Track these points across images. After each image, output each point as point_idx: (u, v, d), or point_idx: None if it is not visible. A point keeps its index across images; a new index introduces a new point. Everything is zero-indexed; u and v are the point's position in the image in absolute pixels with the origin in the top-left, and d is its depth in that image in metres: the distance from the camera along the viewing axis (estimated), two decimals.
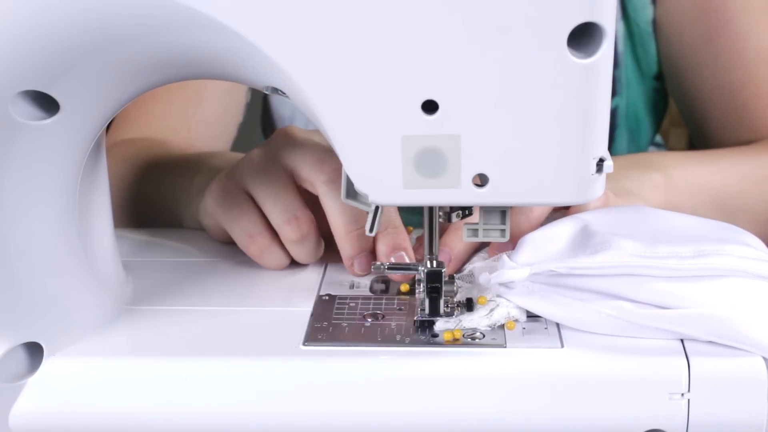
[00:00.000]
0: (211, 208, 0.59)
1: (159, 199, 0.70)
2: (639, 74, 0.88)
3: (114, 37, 0.41)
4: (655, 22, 0.84)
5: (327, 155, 0.55)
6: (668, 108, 0.95)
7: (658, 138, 1.00)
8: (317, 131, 0.57)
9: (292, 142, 0.57)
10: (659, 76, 0.88)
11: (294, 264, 0.59)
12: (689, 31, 0.81)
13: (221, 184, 0.58)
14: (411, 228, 0.62)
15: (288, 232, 0.56)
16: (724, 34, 0.79)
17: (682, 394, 0.45)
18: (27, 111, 0.42)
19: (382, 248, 0.55)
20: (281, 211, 0.56)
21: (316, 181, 0.55)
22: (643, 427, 0.45)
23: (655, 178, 0.67)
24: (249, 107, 0.93)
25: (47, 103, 0.42)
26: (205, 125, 0.87)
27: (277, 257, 0.57)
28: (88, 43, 0.41)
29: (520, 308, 0.50)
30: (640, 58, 0.87)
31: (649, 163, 0.70)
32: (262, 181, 0.56)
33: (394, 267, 0.53)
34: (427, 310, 0.51)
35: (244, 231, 0.57)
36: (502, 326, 0.49)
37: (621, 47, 0.86)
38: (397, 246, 0.55)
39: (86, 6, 0.40)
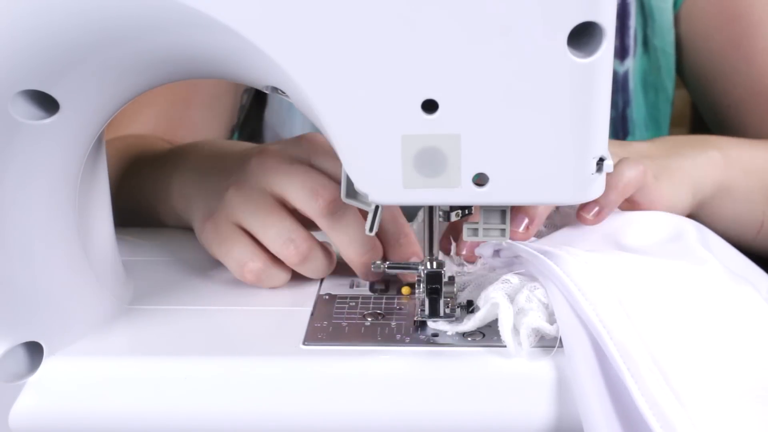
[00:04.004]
0: (208, 248, 0.57)
1: (140, 197, 0.69)
2: (652, 122, 0.87)
3: (114, 37, 0.41)
4: (677, 42, 0.83)
5: (318, 182, 0.53)
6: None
7: None
8: (293, 141, 0.56)
9: (274, 169, 0.54)
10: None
11: None
12: (717, 39, 0.80)
13: (213, 223, 0.56)
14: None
15: (288, 256, 0.54)
16: (754, 38, 0.78)
17: None
18: (27, 110, 0.42)
19: (397, 260, 0.55)
20: (275, 237, 0.53)
21: (313, 214, 0.53)
22: None
23: (713, 155, 0.66)
24: (245, 110, 0.93)
25: (47, 103, 0.42)
26: (192, 130, 0.85)
27: (276, 277, 0.55)
28: (88, 43, 0.41)
29: (548, 322, 0.47)
30: (660, 104, 0.86)
31: (706, 142, 0.69)
32: (250, 211, 0.54)
33: (394, 267, 0.53)
34: (426, 311, 0.51)
35: (236, 261, 0.55)
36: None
37: (632, 86, 0.85)
38: (411, 256, 0.55)
39: (86, 6, 0.40)
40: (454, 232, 0.59)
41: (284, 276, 0.56)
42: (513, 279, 0.49)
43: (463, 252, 0.57)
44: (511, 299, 0.48)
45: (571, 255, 0.47)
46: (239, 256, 0.54)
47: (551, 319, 0.47)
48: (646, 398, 0.41)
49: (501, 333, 0.46)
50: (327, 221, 0.53)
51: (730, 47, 0.80)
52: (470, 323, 0.49)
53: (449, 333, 0.49)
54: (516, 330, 0.47)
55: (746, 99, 0.81)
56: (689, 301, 0.46)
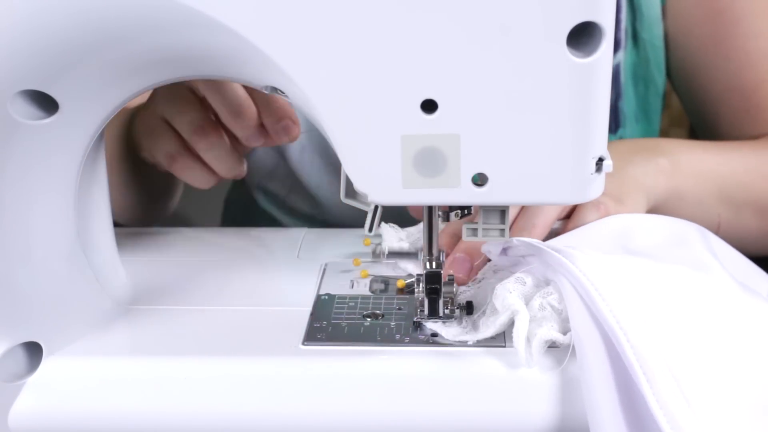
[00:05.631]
0: (138, 139, 0.65)
1: (137, 139, 0.72)
2: (642, 114, 0.87)
3: (113, 37, 0.41)
4: (665, 35, 0.83)
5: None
6: (668, 108, 0.95)
7: None
8: None
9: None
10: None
11: (294, 262, 0.59)
12: (698, 34, 0.81)
13: (141, 115, 0.64)
14: (369, 240, 0.62)
15: (196, 141, 0.60)
16: (734, 35, 0.79)
17: None
18: (26, 110, 0.42)
19: (267, 122, 0.60)
20: (188, 124, 0.60)
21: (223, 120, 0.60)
22: None
23: (661, 163, 0.67)
24: None
25: (46, 103, 0.42)
26: None
27: (200, 176, 0.63)
28: (87, 43, 0.41)
29: (560, 330, 0.47)
30: (650, 97, 0.86)
31: (657, 148, 0.69)
32: (170, 101, 0.61)
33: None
34: (426, 312, 0.51)
35: (165, 153, 0.62)
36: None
37: (623, 79, 0.85)
38: (281, 116, 0.60)
39: (85, 6, 0.40)
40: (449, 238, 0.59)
41: (207, 176, 0.63)
42: (527, 279, 0.49)
43: (455, 273, 0.57)
44: (525, 303, 0.47)
45: (585, 254, 0.47)
46: (167, 148, 0.62)
47: (564, 326, 0.46)
48: (660, 404, 0.40)
49: (515, 343, 0.46)
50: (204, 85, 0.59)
51: (710, 43, 0.80)
52: (490, 330, 0.48)
53: (470, 343, 0.48)
54: (528, 339, 0.46)
55: (722, 95, 0.81)
56: (701, 308, 0.46)
